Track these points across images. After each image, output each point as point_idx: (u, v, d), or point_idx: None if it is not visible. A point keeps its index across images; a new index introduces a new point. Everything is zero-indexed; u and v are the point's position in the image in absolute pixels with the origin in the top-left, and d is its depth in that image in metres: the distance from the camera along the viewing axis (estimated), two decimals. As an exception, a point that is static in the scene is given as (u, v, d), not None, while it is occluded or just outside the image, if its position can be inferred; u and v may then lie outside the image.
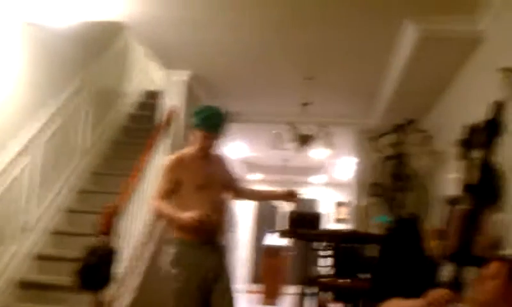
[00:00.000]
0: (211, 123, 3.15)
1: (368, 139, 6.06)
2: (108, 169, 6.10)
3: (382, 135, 5.96)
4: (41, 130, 4.88)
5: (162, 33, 4.78)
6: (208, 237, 3.13)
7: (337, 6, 4.10)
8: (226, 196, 3.34)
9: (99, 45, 6.21)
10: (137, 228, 4.60)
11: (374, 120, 6.53)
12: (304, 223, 4.90)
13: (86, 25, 5.11)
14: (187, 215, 2.95)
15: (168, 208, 3.11)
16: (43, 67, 4.96)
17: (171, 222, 3.17)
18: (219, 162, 3.36)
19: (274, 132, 6.25)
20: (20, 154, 4.56)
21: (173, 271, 3.10)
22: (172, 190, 3.14)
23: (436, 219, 5.07)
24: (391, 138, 5.88)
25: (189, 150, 3.28)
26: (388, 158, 5.86)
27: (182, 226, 3.03)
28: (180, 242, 3.12)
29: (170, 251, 3.14)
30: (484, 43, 4.03)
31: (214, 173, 3.23)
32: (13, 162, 4.46)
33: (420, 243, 3.64)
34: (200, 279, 3.08)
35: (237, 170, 11.12)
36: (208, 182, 3.15)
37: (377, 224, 5.55)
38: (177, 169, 3.16)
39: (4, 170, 4.37)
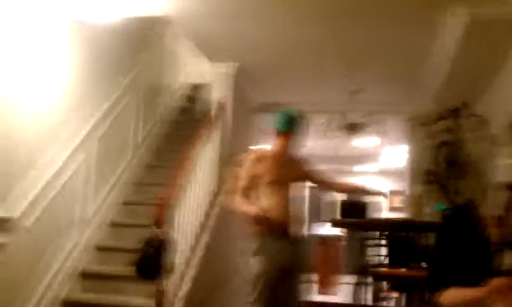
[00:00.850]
0: (293, 124, 3.48)
1: (421, 125, 5.92)
2: (160, 162, 6.22)
3: (435, 120, 5.82)
4: (94, 127, 5.01)
5: (207, 26, 4.81)
6: (285, 230, 3.39)
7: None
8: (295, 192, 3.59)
9: (147, 41, 6.32)
10: (191, 219, 4.67)
11: (425, 106, 6.38)
12: (355, 212, 4.88)
13: (132, 21, 5.20)
14: (252, 209, 3.32)
15: (238, 200, 3.43)
16: (93, 64, 5.08)
17: (244, 215, 3.43)
18: (299, 163, 3.63)
19: (322, 121, 6.21)
20: (76, 150, 4.70)
21: (254, 259, 3.38)
22: (250, 186, 3.46)
23: (493, 205, 4.93)
24: (444, 123, 5.73)
25: (269, 150, 3.59)
26: (441, 144, 5.71)
27: (260, 221, 3.32)
28: (261, 234, 3.37)
29: (251, 243, 3.42)
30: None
31: (290, 171, 3.52)
32: (70, 159, 4.61)
33: (478, 230, 3.55)
34: (277, 267, 3.33)
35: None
36: (284, 179, 3.46)
37: (433, 212, 5.44)
38: (256, 165, 3.47)
39: (63, 166, 4.51)
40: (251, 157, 3.52)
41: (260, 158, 3.51)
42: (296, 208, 3.56)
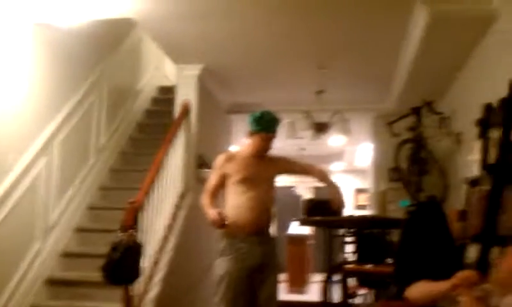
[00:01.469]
0: (272, 125, 3.45)
1: (385, 124, 6.01)
2: (126, 166, 6.17)
3: (398, 119, 5.91)
4: (56, 130, 4.93)
5: (173, 28, 4.78)
6: (254, 230, 3.35)
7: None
8: (273, 192, 3.55)
9: (112, 43, 6.25)
10: (159, 222, 4.63)
11: (390, 104, 6.48)
12: (320, 210, 4.89)
13: (97, 23, 5.13)
14: (211, 211, 3.26)
15: (205, 202, 3.40)
16: (56, 68, 5.00)
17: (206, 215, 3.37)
18: (273, 162, 3.57)
19: (287, 121, 6.23)
20: (37, 155, 4.62)
21: (219, 260, 3.37)
22: (219, 186, 3.46)
23: (457, 200, 5.04)
24: (408, 121, 5.83)
25: (242, 150, 3.58)
26: (405, 141, 5.81)
27: (216, 223, 3.26)
28: (226, 234, 3.36)
29: (218, 243, 3.41)
30: (497, 21, 3.97)
31: (264, 170, 3.47)
32: (31, 163, 4.52)
33: (443, 225, 3.62)
34: (243, 269, 3.30)
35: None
36: (255, 178, 3.40)
37: (398, 208, 5.53)
38: (225, 165, 3.46)
39: (24, 171, 4.43)
40: (222, 157, 3.52)
41: (231, 158, 3.50)
42: (267, 208, 3.49)
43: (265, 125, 3.42)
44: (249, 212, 3.34)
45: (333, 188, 3.59)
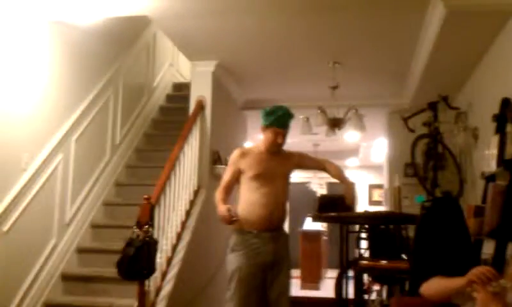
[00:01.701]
0: (284, 120, 3.41)
1: (401, 119, 5.96)
2: (141, 162, 6.21)
3: (415, 114, 5.86)
4: (72, 128, 4.98)
5: (187, 24, 4.79)
6: (266, 226, 3.33)
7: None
8: (287, 189, 3.54)
9: (127, 40, 6.29)
10: (174, 219, 4.66)
11: (405, 100, 6.43)
12: (333, 206, 4.86)
13: (112, 21, 5.17)
14: (221, 207, 3.21)
15: (218, 197, 3.36)
16: (72, 65, 5.04)
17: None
18: (287, 158, 3.56)
19: (301, 117, 6.22)
20: (54, 152, 4.67)
21: (230, 256, 3.36)
22: (233, 182, 3.46)
23: (473, 196, 4.99)
24: (424, 116, 5.78)
25: (256, 146, 3.56)
26: (421, 137, 5.76)
27: (225, 220, 3.23)
28: (239, 230, 3.35)
29: (231, 239, 3.40)
30: (515, 14, 3.92)
31: (278, 166, 3.45)
32: (47, 160, 4.57)
33: (459, 221, 3.59)
34: (255, 265, 3.28)
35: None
36: (269, 173, 3.39)
37: (413, 204, 5.49)
38: (239, 160, 3.45)
39: (41, 168, 4.48)
40: (236, 152, 3.50)
41: (245, 153, 3.48)
42: (281, 204, 3.46)
43: (277, 120, 3.39)
44: (263, 208, 3.32)
45: (347, 184, 3.56)
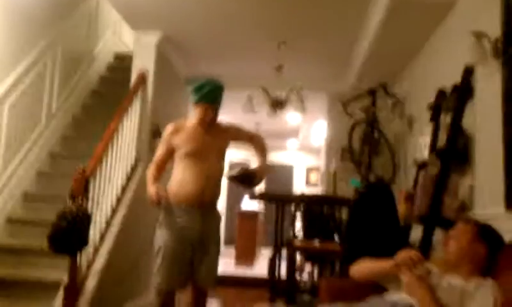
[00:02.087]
0: (212, 96, 3.32)
1: (340, 103, 6.08)
2: (78, 133, 6.04)
3: (353, 99, 5.99)
4: (6, 93, 4.78)
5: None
6: (196, 202, 3.25)
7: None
8: (223, 165, 3.46)
9: (68, 4, 6.06)
10: (110, 193, 4.57)
11: (346, 85, 6.55)
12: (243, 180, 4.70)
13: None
14: (151, 188, 3.20)
15: (149, 175, 3.32)
16: (9, 27, 4.82)
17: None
18: (222, 132, 3.47)
19: (246, 95, 6.23)
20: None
21: (158, 231, 3.30)
22: (167, 158, 3.38)
23: (406, 182, 5.18)
24: (363, 102, 5.92)
25: (190, 121, 3.44)
26: (359, 122, 5.90)
27: (173, 190, 3.24)
28: (167, 204, 3.26)
29: (160, 215, 3.33)
30: (455, 7, 4.05)
31: (212, 141, 3.36)
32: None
33: (390, 206, 3.72)
34: (181, 241, 3.22)
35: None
36: (202, 150, 3.30)
37: (348, 187, 5.63)
38: (172, 137, 3.36)
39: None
40: (169, 128, 3.41)
41: (178, 129, 3.39)
42: (215, 181, 3.36)
43: (206, 96, 3.30)
44: (193, 184, 3.23)
45: (263, 164, 3.58)
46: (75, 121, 6.18)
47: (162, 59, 5.75)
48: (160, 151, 3.41)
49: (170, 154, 3.37)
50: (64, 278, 3.78)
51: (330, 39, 5.52)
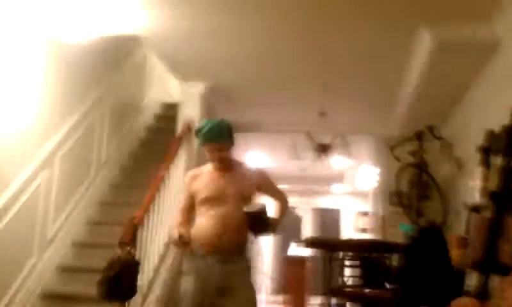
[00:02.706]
0: (213, 134, 3.19)
1: (387, 147, 6.00)
2: (125, 181, 6.16)
3: (401, 142, 5.91)
4: (59, 144, 4.94)
5: (178, 45, 4.81)
6: (215, 249, 3.11)
7: (352, 12, 4.09)
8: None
9: (118, 59, 6.29)
10: (158, 240, 4.61)
11: (393, 128, 6.48)
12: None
13: (104, 39, 5.17)
14: (175, 231, 3.16)
15: (176, 219, 3.31)
16: (64, 82, 5.02)
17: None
18: (244, 176, 3.31)
19: (288, 142, 6.24)
20: (39, 168, 4.61)
21: (182, 278, 3.23)
22: (188, 204, 3.30)
23: (457, 226, 5.01)
24: (410, 146, 5.83)
25: (208, 166, 3.37)
26: (406, 166, 5.80)
27: (194, 237, 3.15)
28: (189, 253, 3.20)
29: (184, 262, 3.28)
30: (501, 48, 3.99)
31: (229, 185, 3.21)
32: (32, 177, 4.52)
33: (443, 251, 3.59)
34: (201, 290, 3.09)
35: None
36: (217, 194, 3.18)
37: (401, 233, 5.50)
38: (191, 184, 3.32)
39: (25, 184, 4.42)
40: (188, 175, 3.40)
41: (196, 176, 3.33)
42: (235, 226, 3.13)
43: (206, 136, 3.19)
44: (210, 230, 3.12)
45: (279, 221, 3.34)
46: (123, 170, 6.32)
47: (207, 108, 5.86)
48: (182, 199, 3.39)
49: (192, 200, 3.29)
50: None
51: (375, 82, 5.51)
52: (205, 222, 3.15)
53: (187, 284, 3.15)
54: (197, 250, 3.15)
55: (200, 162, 5.53)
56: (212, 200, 3.18)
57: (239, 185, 3.23)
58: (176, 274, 4.72)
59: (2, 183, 4.18)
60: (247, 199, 3.22)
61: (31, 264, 4.55)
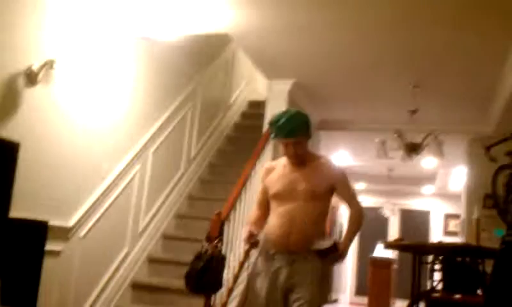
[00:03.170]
0: (287, 129, 2.95)
1: (482, 147, 5.71)
2: (214, 177, 6.29)
3: (498, 142, 5.60)
4: (150, 140, 5.12)
5: (266, 43, 4.84)
6: (283, 248, 2.96)
7: (448, 5, 3.92)
8: (320, 206, 3.05)
9: (207, 57, 6.44)
10: (242, 235, 4.66)
11: (488, 127, 6.16)
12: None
13: (194, 38, 5.31)
14: (245, 229, 3.05)
15: (249, 218, 3.19)
16: (154, 80, 5.21)
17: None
18: (322, 172, 3.08)
19: (377, 140, 6.08)
20: (132, 163, 4.81)
21: (253, 280, 3.14)
22: (263, 199, 3.16)
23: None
24: (508, 145, 5.50)
25: (282, 159, 3.18)
26: (503, 167, 5.49)
27: (267, 236, 3.03)
28: (261, 250, 3.09)
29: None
30: None
31: (301, 181, 3.01)
32: (125, 170, 4.72)
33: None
34: (272, 288, 2.96)
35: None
36: (287, 190, 3.01)
37: (492, 237, 5.23)
38: (265, 178, 3.18)
39: (118, 177, 4.62)
40: (263, 169, 3.26)
41: (270, 170, 3.18)
42: (308, 223, 2.95)
43: (280, 130, 2.97)
44: (278, 228, 2.97)
45: (347, 243, 3.06)
46: (211, 166, 6.46)
47: (294, 105, 5.84)
48: (258, 194, 3.27)
49: (266, 195, 3.14)
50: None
51: (469, 79, 5.25)
52: (274, 220, 3.02)
53: (257, 281, 3.05)
54: (268, 249, 3.03)
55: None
56: (282, 196, 3.02)
57: (311, 181, 3.02)
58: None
59: (99, 177, 4.39)
60: (319, 196, 3.03)
61: (123, 254, 4.76)
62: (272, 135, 3.06)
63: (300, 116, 3.04)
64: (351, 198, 3.13)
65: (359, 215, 3.10)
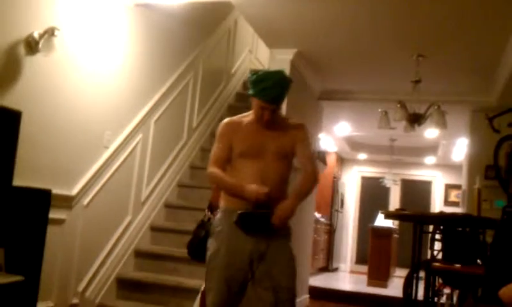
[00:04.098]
0: (272, 94, 2.72)
1: (485, 118, 5.69)
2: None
3: (501, 113, 5.58)
4: (152, 109, 5.11)
5: (269, 11, 4.78)
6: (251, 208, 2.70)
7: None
8: (287, 166, 2.84)
9: (209, 25, 6.38)
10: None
11: (491, 98, 6.12)
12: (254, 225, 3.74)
13: (195, 6, 5.25)
14: (253, 188, 2.65)
15: (229, 178, 2.78)
16: (156, 48, 5.17)
17: (231, 192, 2.80)
18: (288, 130, 2.88)
19: (380, 110, 6.06)
20: (132, 132, 4.81)
21: (209, 242, 2.89)
22: (226, 156, 2.83)
23: (560, 204, 4.70)
24: (510, 117, 5.49)
25: (249, 115, 2.92)
26: (506, 138, 5.48)
27: (232, 195, 2.76)
28: (224, 208, 2.85)
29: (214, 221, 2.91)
30: None
31: (270, 141, 2.79)
32: (127, 139, 4.72)
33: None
34: (236, 251, 2.76)
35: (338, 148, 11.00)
36: (255, 149, 2.77)
37: (493, 208, 5.25)
38: (230, 134, 2.85)
39: (121, 146, 4.63)
40: (225, 123, 2.91)
41: (235, 125, 2.88)
42: (274, 186, 2.70)
43: (264, 92, 2.70)
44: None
45: (287, 204, 2.74)
46: (213, 135, 6.44)
47: (296, 75, 5.80)
48: (217, 149, 2.86)
49: (230, 153, 2.83)
50: (201, 285, 3.93)
51: (473, 49, 5.20)
52: (243, 178, 2.72)
53: (217, 243, 2.81)
54: (228, 210, 2.79)
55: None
56: (251, 155, 2.77)
57: (280, 140, 2.82)
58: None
59: (102, 146, 4.41)
60: (287, 156, 2.84)
61: (126, 222, 4.80)
62: (250, 92, 2.77)
63: (286, 82, 2.81)
64: (308, 159, 2.89)
65: (314, 178, 2.88)
